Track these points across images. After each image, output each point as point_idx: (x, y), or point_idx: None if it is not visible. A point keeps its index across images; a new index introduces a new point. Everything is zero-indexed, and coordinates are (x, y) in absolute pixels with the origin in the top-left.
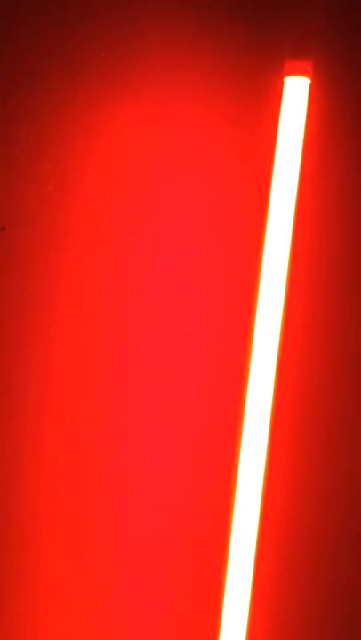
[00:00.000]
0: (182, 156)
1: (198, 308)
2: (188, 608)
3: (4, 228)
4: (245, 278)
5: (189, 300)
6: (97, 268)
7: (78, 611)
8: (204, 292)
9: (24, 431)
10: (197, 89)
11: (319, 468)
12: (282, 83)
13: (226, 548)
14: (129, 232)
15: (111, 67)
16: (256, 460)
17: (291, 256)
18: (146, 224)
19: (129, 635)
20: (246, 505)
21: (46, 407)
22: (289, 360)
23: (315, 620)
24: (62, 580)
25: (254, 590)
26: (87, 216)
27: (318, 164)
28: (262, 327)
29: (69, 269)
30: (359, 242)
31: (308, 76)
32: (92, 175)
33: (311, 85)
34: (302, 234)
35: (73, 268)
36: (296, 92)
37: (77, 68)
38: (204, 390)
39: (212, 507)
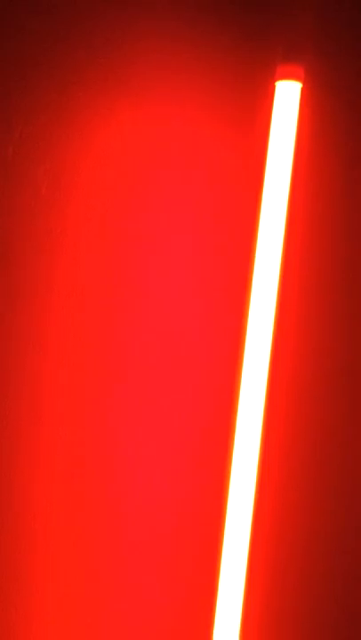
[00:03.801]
0: (175, 159)
1: (193, 309)
2: (183, 608)
3: None
4: (239, 278)
5: (184, 301)
6: (92, 270)
7: (75, 609)
8: (198, 292)
9: (20, 429)
10: (190, 92)
11: (313, 468)
12: (274, 87)
13: (220, 546)
14: (123, 233)
15: (106, 68)
16: (250, 459)
17: (283, 255)
18: (140, 225)
19: (126, 634)
20: (240, 505)
21: (43, 405)
22: (282, 357)
23: (310, 620)
24: (59, 579)
25: (248, 589)
26: (81, 218)
27: (310, 166)
28: (256, 324)
29: (64, 271)
30: (351, 243)
31: (299, 81)
32: (87, 177)
33: (303, 89)
34: (295, 235)
35: (67, 270)
36: (288, 95)
37: (72, 70)
38: (199, 389)
39: (206, 507)
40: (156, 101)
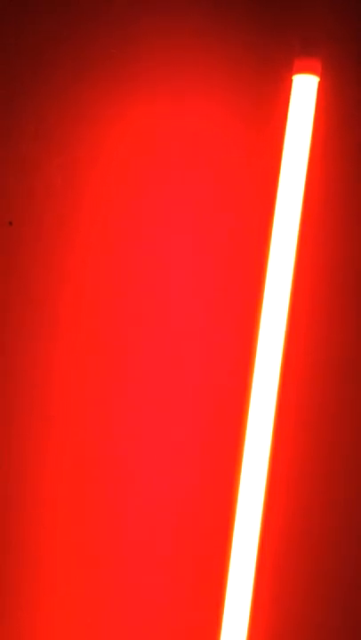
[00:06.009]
0: (190, 153)
1: (203, 306)
2: (189, 612)
3: (10, 223)
4: (251, 274)
5: (198, 300)
6: (103, 264)
7: (81, 610)
8: (209, 290)
9: (29, 431)
10: (206, 86)
11: (322, 470)
12: (291, 80)
13: (228, 551)
14: (136, 228)
15: (119, 63)
16: (259, 461)
17: (297, 254)
18: (153, 220)
19: (131, 635)
20: (248, 509)
21: (49, 405)
22: (294, 356)
23: (316, 625)
24: (64, 580)
25: (256, 591)
26: (94, 211)
27: (326, 161)
28: (267, 327)
29: (76, 264)
30: None
31: (316, 75)
32: (100, 171)
33: (320, 83)
34: (309, 231)
35: (79, 263)
36: (305, 90)
37: (86, 65)
38: (209, 391)
39: (213, 510)
40: (169, 96)
